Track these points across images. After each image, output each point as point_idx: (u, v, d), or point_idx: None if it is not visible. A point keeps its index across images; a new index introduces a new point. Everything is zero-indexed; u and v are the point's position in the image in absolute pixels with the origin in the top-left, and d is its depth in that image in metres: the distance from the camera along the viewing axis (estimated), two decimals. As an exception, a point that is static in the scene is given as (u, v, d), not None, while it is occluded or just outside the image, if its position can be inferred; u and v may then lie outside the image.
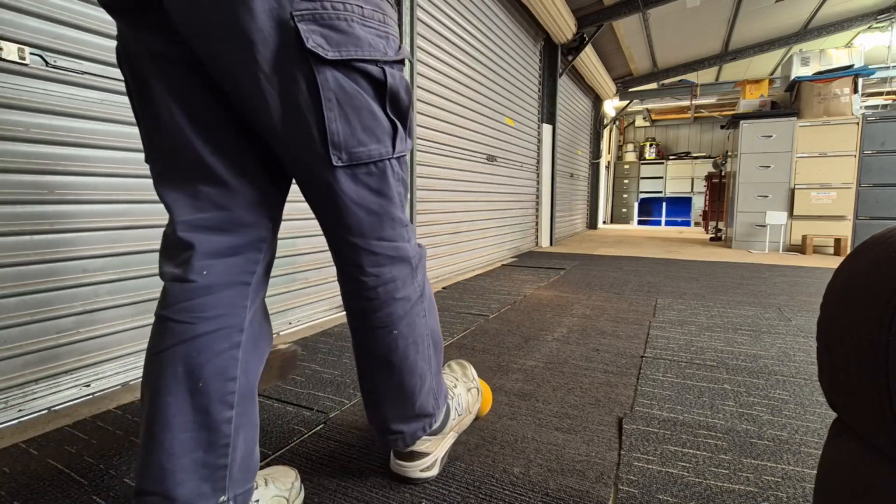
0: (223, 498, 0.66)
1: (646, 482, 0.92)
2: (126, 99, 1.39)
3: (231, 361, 0.67)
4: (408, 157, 0.79)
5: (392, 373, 0.81)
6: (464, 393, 1.04)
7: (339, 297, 1.78)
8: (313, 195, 0.73)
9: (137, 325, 1.45)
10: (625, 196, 11.39)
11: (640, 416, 1.19)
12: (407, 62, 0.83)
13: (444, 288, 2.93)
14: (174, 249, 0.68)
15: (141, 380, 0.71)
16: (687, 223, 10.73)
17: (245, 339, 0.70)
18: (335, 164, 0.67)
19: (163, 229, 1.33)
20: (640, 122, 11.86)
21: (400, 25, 2.59)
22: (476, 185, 3.73)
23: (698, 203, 10.67)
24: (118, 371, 1.40)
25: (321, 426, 1.15)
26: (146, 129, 0.68)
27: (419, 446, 0.90)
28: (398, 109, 0.73)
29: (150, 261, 1.46)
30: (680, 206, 10.84)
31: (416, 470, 0.90)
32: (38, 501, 0.87)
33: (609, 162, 11.22)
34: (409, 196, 0.90)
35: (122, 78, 1.21)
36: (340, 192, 0.70)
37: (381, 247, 0.75)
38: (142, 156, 1.43)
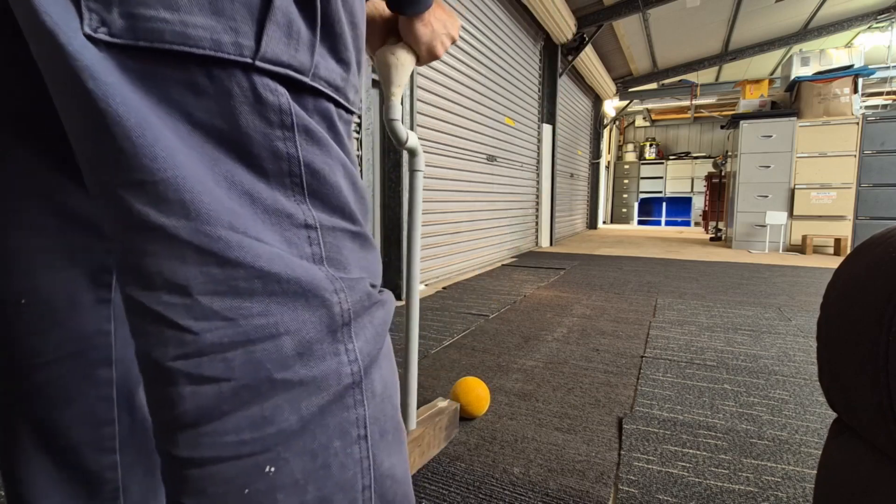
0: None
1: (646, 482, 0.92)
2: None
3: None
4: (339, 115, 0.38)
5: None
6: None
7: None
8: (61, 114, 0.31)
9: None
10: (625, 196, 11.40)
11: (640, 416, 1.19)
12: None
13: (444, 288, 2.93)
14: None
15: None
16: (687, 223, 10.73)
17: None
18: (86, 30, 0.28)
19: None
20: (640, 122, 11.87)
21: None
22: (476, 185, 3.73)
23: (698, 203, 10.67)
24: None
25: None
26: None
27: None
28: None
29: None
30: (680, 206, 10.84)
31: None
32: (38, 501, 0.87)
33: (609, 162, 11.23)
34: (354, 187, 0.39)
35: None
36: (101, 102, 0.28)
37: (239, 248, 0.32)
38: None
